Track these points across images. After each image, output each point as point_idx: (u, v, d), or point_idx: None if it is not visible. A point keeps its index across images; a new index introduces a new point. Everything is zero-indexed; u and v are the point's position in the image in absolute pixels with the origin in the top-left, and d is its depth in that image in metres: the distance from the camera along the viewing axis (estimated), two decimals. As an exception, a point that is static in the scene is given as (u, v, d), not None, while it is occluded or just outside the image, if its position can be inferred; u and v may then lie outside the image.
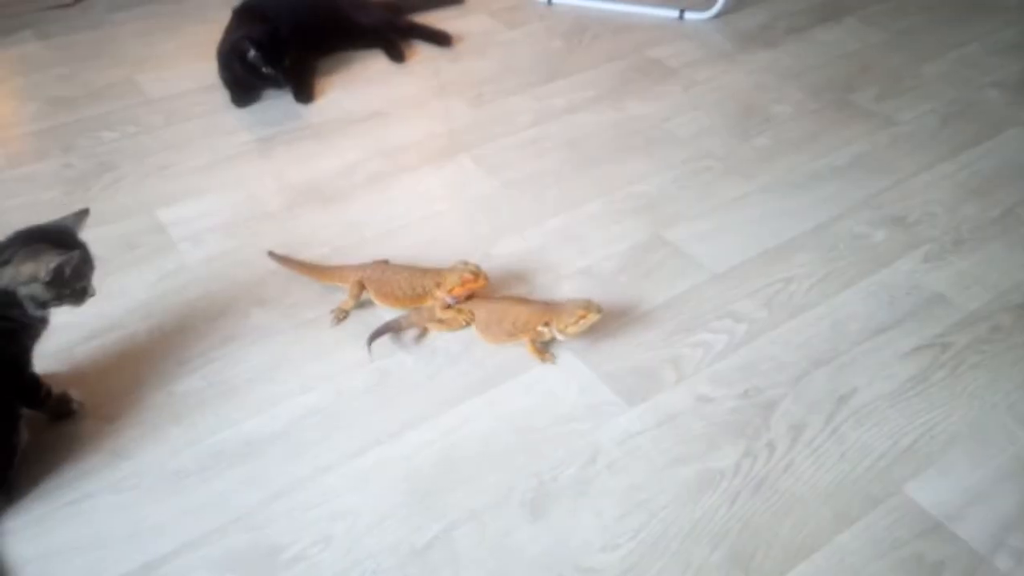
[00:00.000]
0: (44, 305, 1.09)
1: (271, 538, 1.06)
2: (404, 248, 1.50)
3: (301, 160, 1.75)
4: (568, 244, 1.52)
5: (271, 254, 1.47)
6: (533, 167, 1.72)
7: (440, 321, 1.33)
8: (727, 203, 1.60)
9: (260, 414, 1.22)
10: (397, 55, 2.09)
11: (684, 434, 1.17)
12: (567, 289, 1.41)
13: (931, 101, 1.89)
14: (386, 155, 1.76)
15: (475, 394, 1.24)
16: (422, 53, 2.13)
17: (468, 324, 1.33)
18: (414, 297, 1.35)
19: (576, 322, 1.25)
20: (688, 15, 2.25)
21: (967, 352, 1.27)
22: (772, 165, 1.70)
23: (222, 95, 1.96)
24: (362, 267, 1.40)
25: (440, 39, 2.15)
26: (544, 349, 1.29)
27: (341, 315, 1.37)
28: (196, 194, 1.66)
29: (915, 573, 1.00)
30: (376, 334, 1.31)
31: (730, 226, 1.54)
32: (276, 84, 1.88)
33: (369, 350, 1.29)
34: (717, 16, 2.24)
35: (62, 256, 1.06)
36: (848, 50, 2.10)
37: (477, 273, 1.32)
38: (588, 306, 1.25)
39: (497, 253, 1.50)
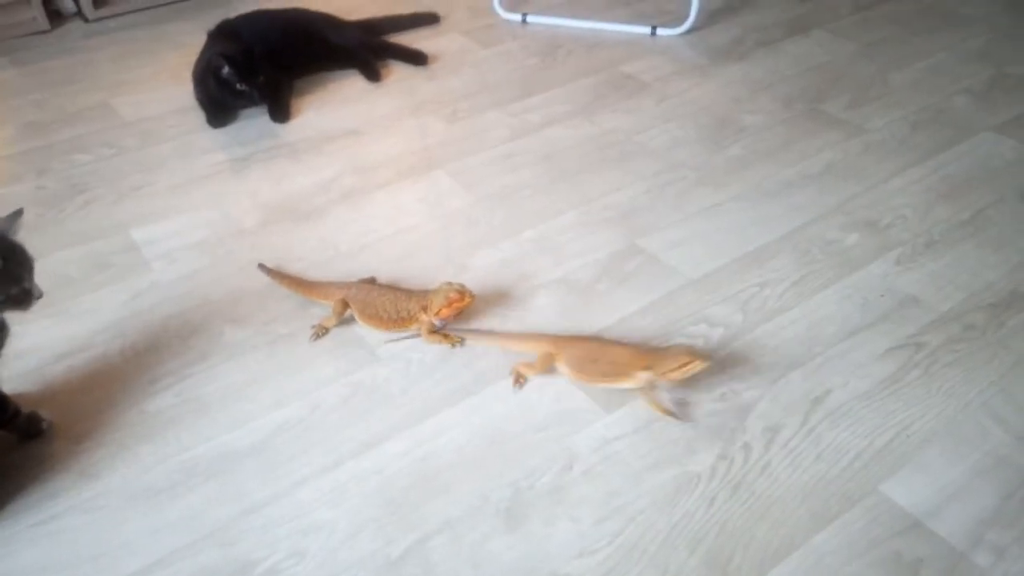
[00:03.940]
0: None
1: (243, 553, 1.04)
2: (380, 262, 1.50)
3: (276, 178, 1.75)
4: (544, 255, 1.52)
5: (261, 266, 1.47)
6: (508, 181, 1.72)
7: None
8: (701, 212, 1.61)
9: (233, 430, 1.21)
10: (373, 75, 2.10)
11: (660, 439, 1.17)
12: (543, 300, 1.41)
13: (900, 109, 1.92)
14: (361, 172, 1.76)
15: (450, 404, 1.23)
16: (398, 72, 2.15)
17: (455, 344, 1.33)
18: (398, 320, 1.33)
19: (679, 368, 1.15)
20: (660, 31, 2.27)
21: (941, 351, 1.28)
22: (745, 174, 1.71)
23: (197, 117, 1.96)
24: (348, 286, 1.39)
25: (415, 58, 2.16)
26: (659, 401, 1.20)
27: (321, 332, 1.36)
28: (170, 213, 1.65)
29: (893, 571, 0.99)
30: None
31: (704, 234, 1.55)
32: (251, 101, 1.89)
33: None
34: (689, 32, 2.27)
35: None
36: (818, 61, 2.13)
37: (463, 292, 1.31)
38: (693, 352, 1.16)
39: (473, 265, 1.50)
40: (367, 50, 2.15)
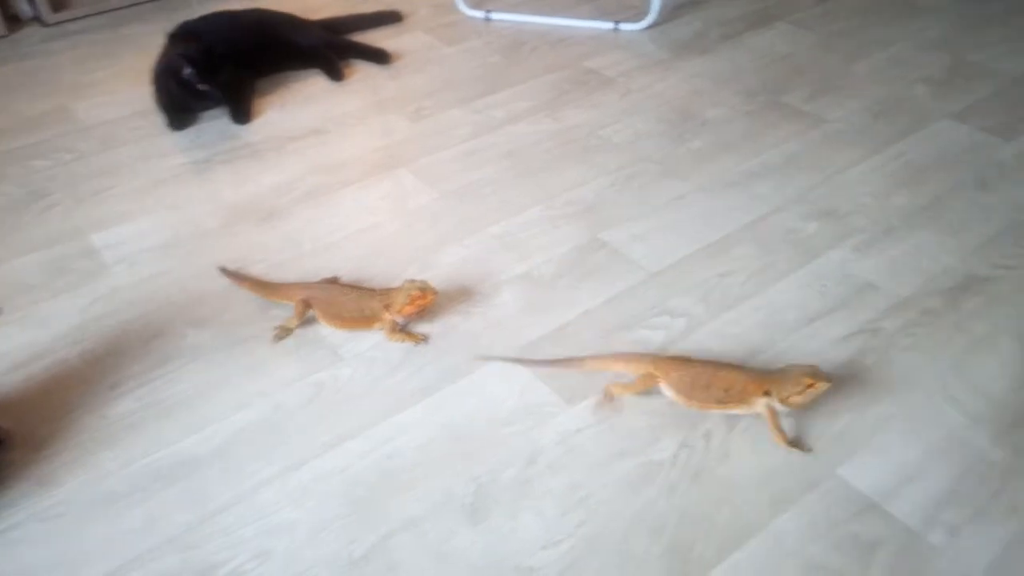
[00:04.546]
0: None
1: (206, 557, 1.04)
2: (343, 262, 1.50)
3: (238, 179, 1.74)
4: (508, 250, 1.52)
5: (222, 270, 1.46)
6: (472, 177, 1.72)
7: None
8: (664, 204, 1.62)
9: (195, 433, 1.20)
10: (335, 74, 2.09)
11: (623, 430, 1.17)
12: (507, 295, 1.41)
13: (861, 99, 1.94)
14: (324, 171, 1.75)
15: (413, 402, 1.23)
16: (361, 71, 2.14)
17: (418, 342, 1.32)
18: (361, 319, 1.33)
19: (802, 392, 1.09)
20: (623, 26, 2.28)
21: (898, 336, 1.30)
22: (707, 166, 1.72)
23: (158, 120, 1.95)
24: (309, 286, 1.38)
25: (379, 57, 2.16)
26: (780, 427, 1.13)
27: (283, 333, 1.35)
28: (131, 217, 1.64)
29: (851, 553, 1.00)
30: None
31: (667, 226, 1.56)
32: (212, 102, 1.87)
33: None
34: (652, 26, 2.28)
35: None
36: (780, 53, 2.15)
37: (425, 289, 1.31)
38: (815, 373, 1.09)
39: (438, 262, 1.50)
40: (329, 49, 2.14)
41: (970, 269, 1.42)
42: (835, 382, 1.11)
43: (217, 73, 1.81)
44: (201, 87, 1.81)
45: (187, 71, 1.79)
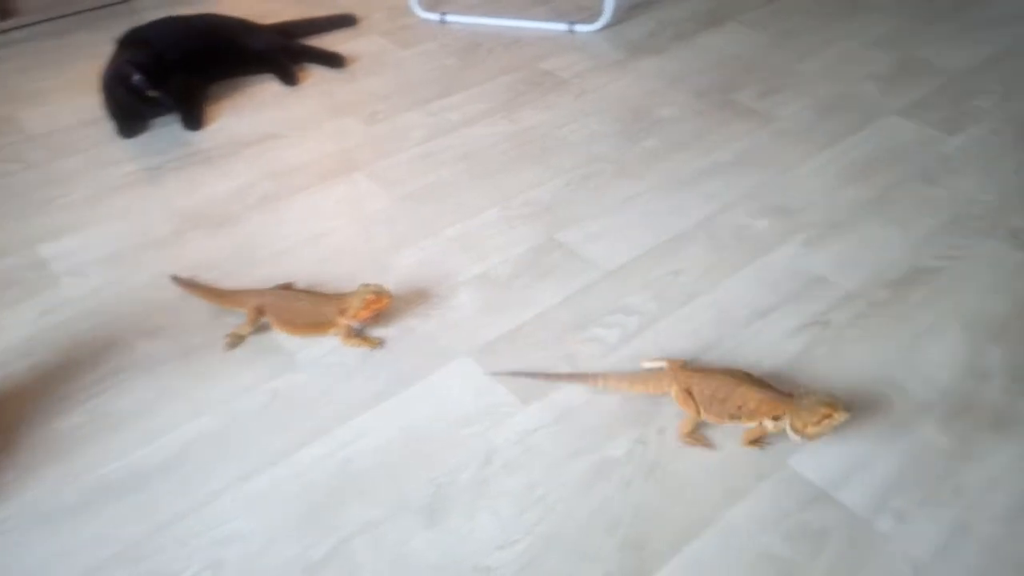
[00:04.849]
0: None
1: (157, 568, 1.02)
2: (299, 268, 1.49)
3: (190, 186, 1.72)
4: (465, 252, 1.53)
5: (174, 278, 1.44)
6: (429, 180, 1.72)
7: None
8: (618, 203, 1.63)
9: (147, 444, 1.18)
10: (289, 78, 2.07)
11: (579, 428, 1.18)
12: (464, 297, 1.42)
13: (809, 96, 1.97)
14: (278, 177, 1.74)
15: (370, 407, 1.22)
16: (315, 75, 2.13)
17: (374, 347, 1.31)
18: (316, 324, 1.32)
19: (818, 422, 1.05)
20: (578, 28, 2.30)
21: (847, 328, 1.32)
22: (660, 165, 1.74)
23: (108, 127, 1.91)
24: (262, 293, 1.37)
25: (333, 61, 2.15)
26: (762, 440, 1.13)
27: (236, 340, 1.34)
28: (80, 227, 1.61)
29: (802, 541, 1.02)
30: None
31: (621, 225, 1.57)
32: (162, 108, 1.85)
33: None
34: (606, 27, 2.30)
35: None
36: (731, 52, 2.18)
37: (380, 293, 1.31)
38: (833, 403, 1.05)
39: (394, 265, 1.50)
40: (283, 53, 2.12)
41: (916, 261, 1.45)
42: (854, 411, 1.08)
43: (167, 79, 1.79)
44: (151, 93, 1.79)
45: (136, 77, 1.77)
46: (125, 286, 1.46)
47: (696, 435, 1.15)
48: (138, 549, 1.04)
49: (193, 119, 1.90)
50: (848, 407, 1.06)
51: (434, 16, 2.38)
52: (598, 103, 1.97)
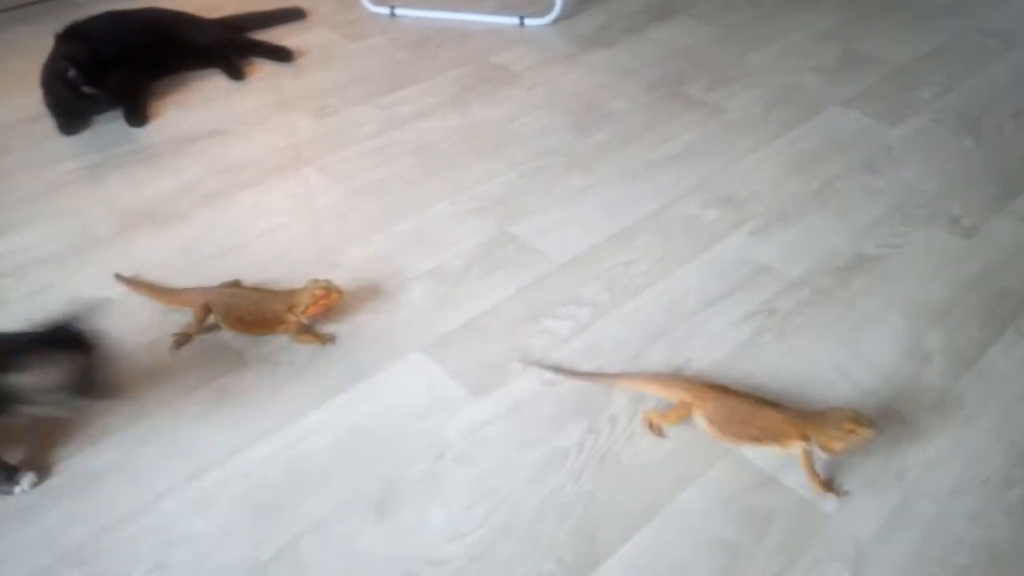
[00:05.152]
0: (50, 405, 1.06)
1: (104, 570, 1.01)
2: (247, 265, 1.47)
3: (134, 184, 1.68)
4: (417, 246, 1.52)
5: (118, 277, 1.41)
6: (380, 174, 1.71)
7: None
8: (569, 196, 1.64)
9: (92, 445, 1.16)
10: (236, 73, 2.04)
11: (531, 419, 1.19)
12: (416, 292, 1.41)
13: (757, 88, 2.00)
14: (225, 173, 1.71)
15: (320, 404, 1.22)
16: (263, 70, 2.10)
17: (325, 343, 1.30)
18: (264, 322, 1.31)
19: (843, 437, 1.04)
20: (528, 21, 2.30)
21: (792, 315, 1.35)
22: (611, 158, 1.75)
23: (49, 124, 1.87)
24: (209, 290, 1.35)
25: (281, 55, 2.12)
26: (819, 471, 1.08)
27: (183, 339, 1.31)
28: (19, 227, 1.57)
29: (749, 524, 1.04)
30: None
31: (573, 218, 1.58)
32: (100, 104, 1.81)
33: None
34: (556, 21, 2.31)
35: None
36: (680, 45, 2.20)
37: (329, 289, 1.29)
38: (858, 418, 1.04)
39: (345, 261, 1.49)
40: (229, 48, 2.09)
41: (858, 249, 1.49)
42: (879, 426, 1.06)
43: (105, 75, 1.75)
44: (86, 90, 1.75)
45: (71, 73, 1.73)
46: (68, 287, 1.43)
47: (658, 427, 1.15)
48: (83, 553, 1.02)
49: (137, 115, 1.86)
50: (873, 423, 1.04)
51: (384, 9, 2.37)
52: (549, 96, 1.98)
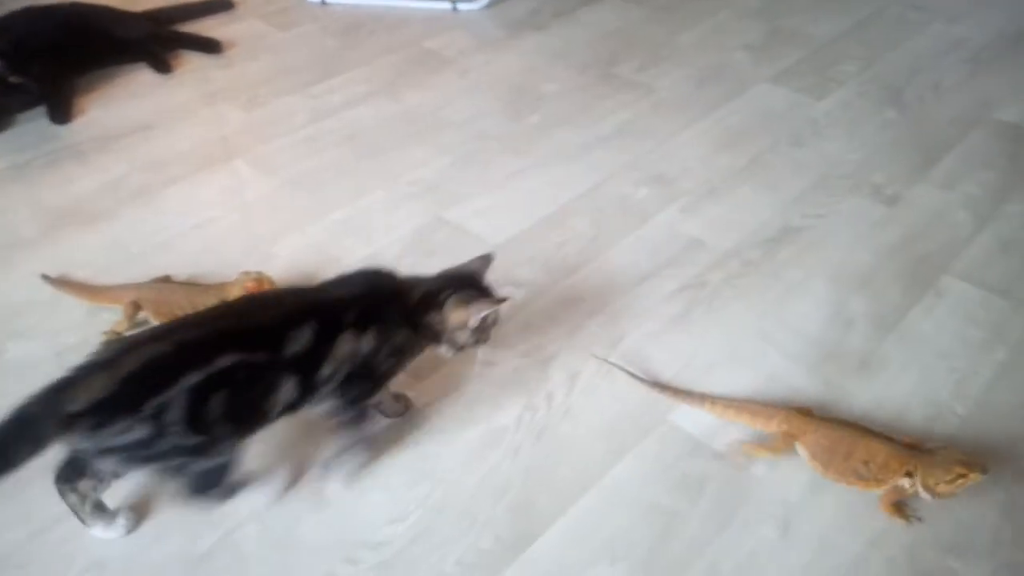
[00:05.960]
0: (461, 348, 1.08)
1: (39, 572, 0.99)
2: (177, 260, 1.44)
3: (60, 182, 1.64)
4: (352, 234, 1.51)
5: (44, 277, 1.38)
6: (312, 164, 1.70)
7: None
8: (503, 179, 1.65)
9: (21, 450, 1.13)
10: (162, 66, 2.00)
11: (470, 399, 1.20)
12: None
13: (687, 67, 2.03)
14: (153, 168, 1.68)
15: (256, 393, 1.21)
16: (191, 63, 2.06)
17: None
18: None
19: (952, 480, 0.97)
20: (461, 6, 2.30)
21: (722, 287, 1.38)
22: (544, 140, 1.77)
23: (-33, 124, 1.81)
24: (138, 287, 1.33)
25: (209, 46, 2.08)
26: (903, 505, 1.03)
27: (113, 337, 1.29)
28: (-63, 230, 1.52)
29: (683, 489, 1.07)
30: None
31: (507, 200, 1.59)
32: (27, 96, 1.76)
33: None
34: (489, 6, 2.31)
35: (490, 306, 1.06)
36: (611, 28, 2.22)
37: (260, 280, 1.29)
38: (970, 463, 0.97)
39: (278, 253, 1.47)
40: (154, 41, 2.05)
41: (785, 221, 1.52)
42: (990, 472, 0.99)
43: (30, 64, 1.71)
44: (13, 79, 1.70)
45: (-3, 65, 1.68)
46: (-10, 289, 1.39)
47: (752, 455, 1.10)
48: (14, 557, 1.01)
49: (60, 112, 1.82)
50: (985, 468, 0.98)
51: (314, -2, 2.34)
52: (482, 81, 1.98)
